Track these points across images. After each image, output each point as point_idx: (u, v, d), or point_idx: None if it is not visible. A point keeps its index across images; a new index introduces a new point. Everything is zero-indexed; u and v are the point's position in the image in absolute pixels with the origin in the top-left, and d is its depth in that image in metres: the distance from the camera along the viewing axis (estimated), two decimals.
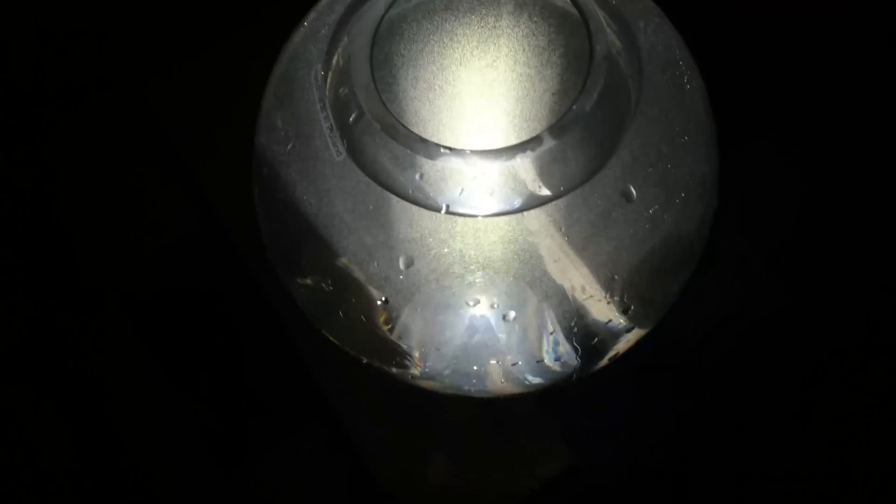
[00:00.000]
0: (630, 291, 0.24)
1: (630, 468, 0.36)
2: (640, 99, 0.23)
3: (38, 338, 0.38)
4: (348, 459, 0.36)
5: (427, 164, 0.22)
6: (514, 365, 0.26)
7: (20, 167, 0.41)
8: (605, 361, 0.26)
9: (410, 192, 0.22)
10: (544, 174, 0.22)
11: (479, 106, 0.25)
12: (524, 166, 0.22)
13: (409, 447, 0.37)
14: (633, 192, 0.23)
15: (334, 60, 0.23)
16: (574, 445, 0.35)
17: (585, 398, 0.36)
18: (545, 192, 0.22)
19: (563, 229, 0.23)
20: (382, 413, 0.36)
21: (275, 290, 0.35)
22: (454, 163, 0.21)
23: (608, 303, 0.24)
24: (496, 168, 0.21)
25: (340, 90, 0.23)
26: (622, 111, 0.22)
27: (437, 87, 0.25)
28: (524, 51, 0.25)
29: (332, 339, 0.27)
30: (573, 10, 0.22)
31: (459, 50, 0.25)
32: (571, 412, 0.36)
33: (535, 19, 0.25)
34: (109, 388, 0.38)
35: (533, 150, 0.21)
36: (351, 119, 0.23)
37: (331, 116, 0.23)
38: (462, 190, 0.22)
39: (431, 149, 0.22)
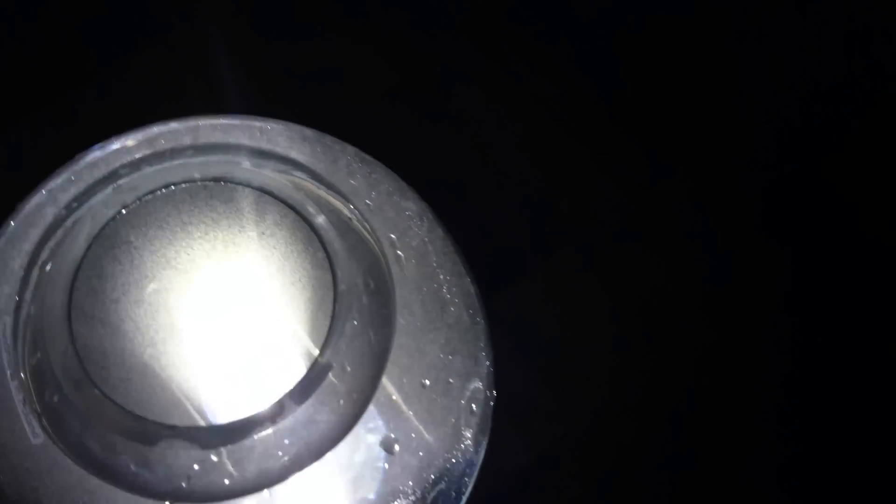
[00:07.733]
0: None
1: None
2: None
3: None
4: None
5: (145, 449, 0.18)
6: None
7: None
8: None
9: (129, 480, 0.18)
10: (292, 441, 0.19)
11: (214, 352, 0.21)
12: (266, 439, 0.18)
13: None
14: (396, 446, 0.20)
15: (25, 315, 0.19)
16: None
17: None
18: (297, 460, 0.19)
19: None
20: None
21: None
22: (178, 445, 0.18)
23: None
24: (233, 446, 0.18)
25: (35, 354, 0.19)
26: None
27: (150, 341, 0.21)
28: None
29: None
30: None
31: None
32: None
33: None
34: None
35: (274, 421, 0.18)
36: (47, 394, 0.18)
37: (23, 385, 0.19)
38: (189, 478, 0.18)
39: (149, 430, 0.18)
